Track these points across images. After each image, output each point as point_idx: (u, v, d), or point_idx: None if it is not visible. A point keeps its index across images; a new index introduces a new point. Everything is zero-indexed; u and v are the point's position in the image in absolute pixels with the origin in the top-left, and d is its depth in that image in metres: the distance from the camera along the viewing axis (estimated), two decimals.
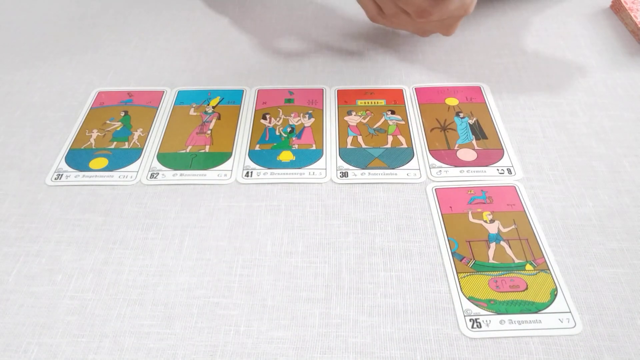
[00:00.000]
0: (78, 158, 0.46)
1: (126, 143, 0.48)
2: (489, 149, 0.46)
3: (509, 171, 0.44)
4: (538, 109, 0.50)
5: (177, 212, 0.42)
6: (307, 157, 0.46)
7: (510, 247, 0.38)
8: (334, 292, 0.36)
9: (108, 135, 0.48)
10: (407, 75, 0.54)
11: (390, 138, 0.47)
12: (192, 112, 0.51)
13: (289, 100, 0.51)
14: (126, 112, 0.51)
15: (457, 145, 0.46)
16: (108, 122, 0.50)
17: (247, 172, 0.45)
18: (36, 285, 0.37)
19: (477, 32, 0.60)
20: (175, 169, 0.45)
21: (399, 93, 0.52)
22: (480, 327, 0.34)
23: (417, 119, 0.49)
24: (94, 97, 0.53)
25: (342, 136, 0.47)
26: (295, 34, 0.60)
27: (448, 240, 0.39)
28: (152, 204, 0.42)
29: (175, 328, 0.35)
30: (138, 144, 0.47)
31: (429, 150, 0.46)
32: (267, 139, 0.47)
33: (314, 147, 0.46)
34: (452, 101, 0.51)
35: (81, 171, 0.45)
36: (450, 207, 0.41)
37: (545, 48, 0.57)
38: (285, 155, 0.46)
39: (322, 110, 0.50)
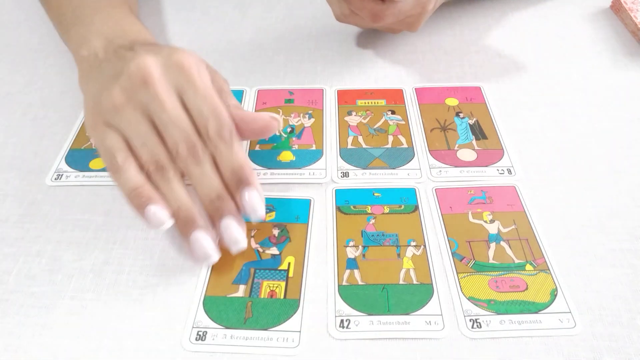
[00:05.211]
0: (78, 158, 0.46)
1: None
2: (489, 149, 0.46)
3: (509, 171, 0.44)
4: (538, 109, 0.50)
5: None
6: (307, 157, 0.46)
7: (510, 247, 0.38)
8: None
9: None
10: (407, 75, 0.54)
11: (390, 138, 0.47)
12: None
13: (289, 101, 0.51)
14: None
15: (457, 146, 0.46)
16: None
17: None
18: (36, 285, 0.37)
19: (477, 32, 0.60)
20: None
21: (399, 93, 0.52)
22: (480, 327, 0.34)
23: (417, 119, 0.49)
24: None
25: (342, 136, 0.47)
26: (295, 34, 0.60)
27: (448, 240, 0.39)
28: None
29: (176, 328, 0.35)
30: None
31: (429, 150, 0.46)
32: (267, 139, 0.47)
33: (313, 147, 0.46)
34: (452, 101, 0.51)
35: (81, 171, 0.45)
36: (450, 207, 0.41)
37: (545, 48, 0.57)
38: (285, 156, 0.46)
39: (322, 110, 0.50)
